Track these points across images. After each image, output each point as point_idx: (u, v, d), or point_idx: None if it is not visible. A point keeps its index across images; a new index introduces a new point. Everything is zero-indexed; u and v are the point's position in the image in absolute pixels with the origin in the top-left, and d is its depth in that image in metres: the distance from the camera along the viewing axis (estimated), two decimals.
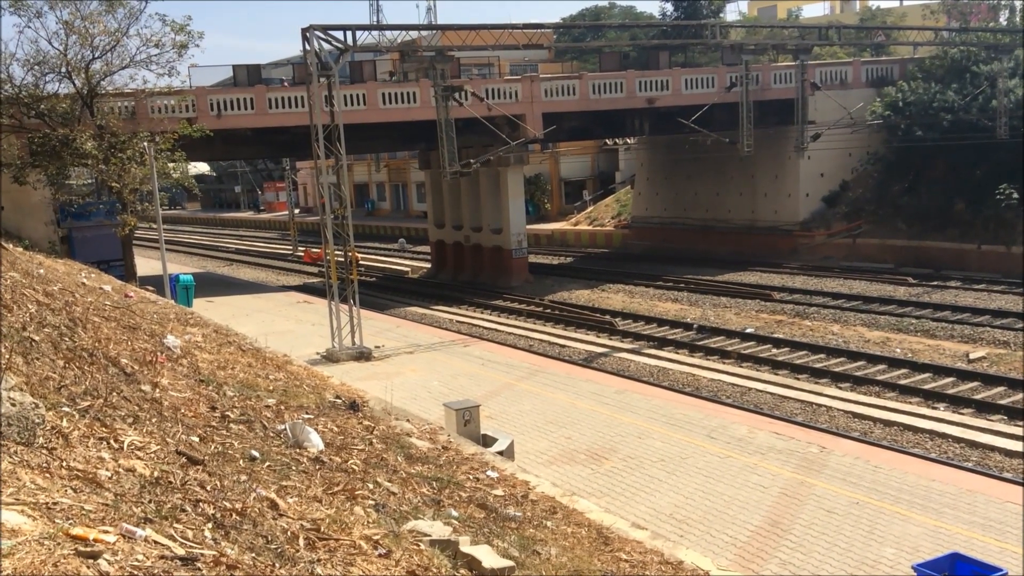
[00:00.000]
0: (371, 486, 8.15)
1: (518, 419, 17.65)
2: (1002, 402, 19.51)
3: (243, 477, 6.51)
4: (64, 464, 4.89)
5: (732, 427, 16.64)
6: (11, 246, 19.70)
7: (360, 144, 40.58)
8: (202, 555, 4.14)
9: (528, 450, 15.45)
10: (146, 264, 39.15)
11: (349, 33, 24.64)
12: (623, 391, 19.77)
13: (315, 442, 9.03)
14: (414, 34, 30.06)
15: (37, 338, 7.83)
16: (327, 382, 14.85)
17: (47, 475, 4.57)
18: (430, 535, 6.99)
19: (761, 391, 21.62)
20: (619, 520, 10.56)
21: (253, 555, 4.67)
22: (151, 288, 25.95)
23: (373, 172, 79.94)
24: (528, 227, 43.05)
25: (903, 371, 22.50)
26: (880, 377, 22.05)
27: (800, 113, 35.24)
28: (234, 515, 5.23)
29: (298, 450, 8.55)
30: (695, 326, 29.10)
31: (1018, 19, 43.50)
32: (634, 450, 15.52)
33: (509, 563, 7.13)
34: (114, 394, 7.24)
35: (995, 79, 36.91)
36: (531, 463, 14.31)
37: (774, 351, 25.48)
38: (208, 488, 5.64)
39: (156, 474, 5.44)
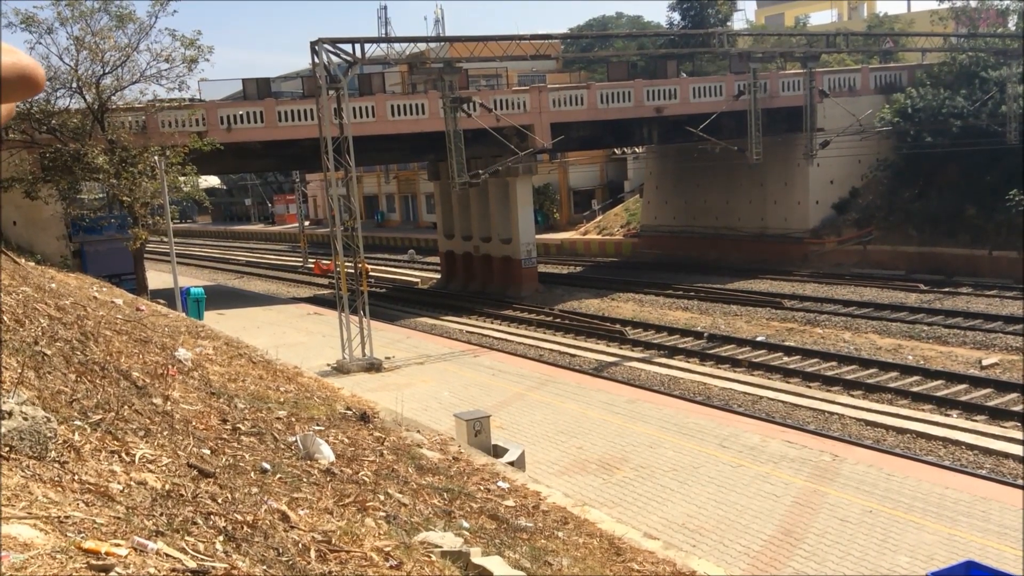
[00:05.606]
0: (382, 497, 8.14)
1: (529, 429, 17.62)
2: (1016, 408, 19.38)
3: (254, 489, 6.52)
4: (76, 477, 4.90)
5: (744, 436, 16.58)
6: (23, 260, 19.82)
7: (369, 156, 40.71)
8: (213, 568, 4.15)
9: (539, 460, 15.42)
10: (157, 277, 39.33)
11: (358, 46, 24.75)
12: (634, 400, 19.73)
13: (326, 454, 9.02)
14: (422, 46, 30.13)
15: (49, 352, 7.87)
16: (338, 393, 14.86)
17: (59, 488, 4.59)
18: (441, 546, 6.97)
19: (773, 399, 21.54)
20: (631, 530, 10.51)
21: (264, 567, 4.67)
22: (162, 301, 26.06)
23: (383, 183, 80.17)
24: (537, 237, 43.06)
25: (915, 378, 22.38)
26: (892, 384, 21.94)
27: (809, 120, 35.19)
28: (245, 527, 5.24)
29: (309, 462, 8.55)
30: (706, 335, 29.03)
31: None
32: (646, 459, 15.48)
33: (521, 574, 7.11)
34: (126, 407, 7.26)
35: (1004, 84, 36.82)
36: (542, 473, 14.28)
37: (785, 359, 25.39)
38: (219, 501, 5.64)
39: (167, 487, 5.45)
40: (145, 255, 32.07)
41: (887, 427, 18.82)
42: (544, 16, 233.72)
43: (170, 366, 10.55)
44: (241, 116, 34.52)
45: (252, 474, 7.15)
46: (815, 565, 11.10)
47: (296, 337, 28.65)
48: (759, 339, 27.79)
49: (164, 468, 5.98)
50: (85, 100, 28.16)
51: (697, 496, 13.62)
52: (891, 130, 40.04)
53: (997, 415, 19.11)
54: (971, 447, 17.30)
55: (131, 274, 30.77)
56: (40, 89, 1.67)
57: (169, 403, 8.43)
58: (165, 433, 7.12)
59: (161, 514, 4.77)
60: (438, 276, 48.51)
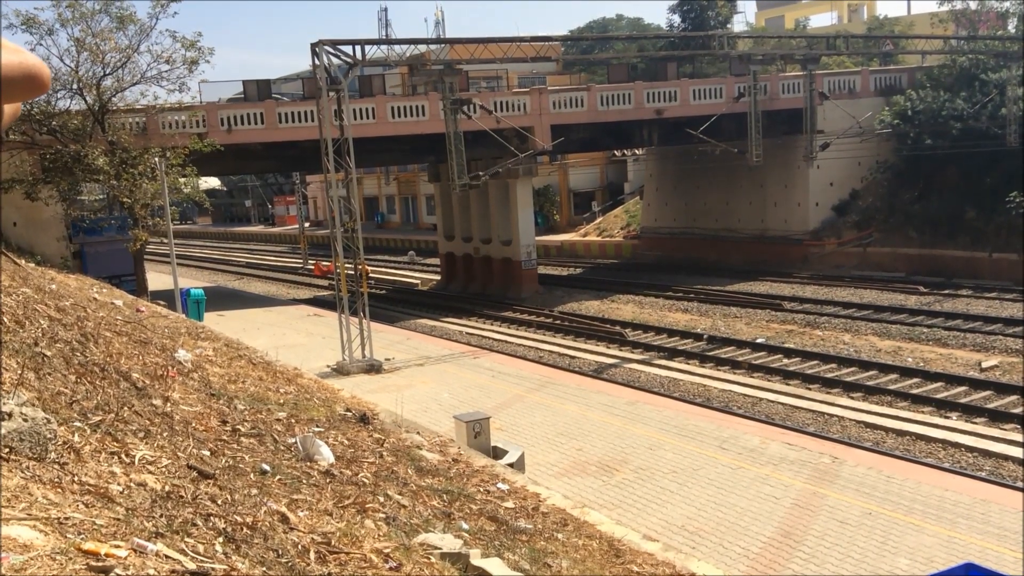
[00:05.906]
0: (381, 499, 8.14)
1: (529, 431, 17.62)
2: (1015, 411, 19.37)
3: (254, 491, 6.52)
4: (76, 479, 4.91)
5: (744, 438, 16.58)
6: (23, 261, 19.82)
7: (370, 157, 40.72)
8: (213, 569, 4.15)
9: (539, 462, 15.42)
10: (158, 279, 39.32)
11: (358, 48, 24.78)
12: (634, 402, 19.73)
13: (325, 455, 9.03)
14: (423, 48, 30.17)
15: (49, 353, 7.87)
16: (337, 395, 14.86)
17: (59, 490, 4.59)
18: (441, 548, 6.97)
19: (773, 401, 21.54)
20: (631, 532, 10.52)
21: (264, 569, 4.68)
22: (162, 303, 26.06)
23: (383, 185, 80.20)
24: (537, 238, 43.08)
25: (915, 380, 22.38)
26: (892, 386, 21.94)
27: (809, 122, 35.22)
28: (245, 529, 5.24)
29: (308, 463, 8.55)
30: (705, 336, 29.03)
31: None
32: (645, 461, 15.48)
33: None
34: (125, 408, 7.26)
35: (1004, 87, 36.85)
36: (542, 475, 14.29)
37: (785, 361, 25.39)
38: (219, 502, 5.64)
39: (167, 488, 5.45)
40: (145, 256, 32.06)
41: (887, 429, 18.83)
42: (544, 17, 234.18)
43: (170, 367, 10.55)
44: (241, 117, 34.52)
45: (252, 475, 7.15)
46: (815, 567, 11.10)
47: (296, 338, 28.65)
48: (759, 341, 27.79)
49: (164, 469, 5.98)
50: (86, 101, 28.16)
51: (697, 498, 13.63)
52: (891, 132, 40.05)
53: (997, 417, 19.11)
54: (971, 449, 17.30)
55: (131, 275, 30.76)
56: (45, 89, 1.67)
57: (169, 404, 8.43)
58: (165, 434, 7.12)
59: (161, 515, 4.77)
60: (438, 278, 48.52)
